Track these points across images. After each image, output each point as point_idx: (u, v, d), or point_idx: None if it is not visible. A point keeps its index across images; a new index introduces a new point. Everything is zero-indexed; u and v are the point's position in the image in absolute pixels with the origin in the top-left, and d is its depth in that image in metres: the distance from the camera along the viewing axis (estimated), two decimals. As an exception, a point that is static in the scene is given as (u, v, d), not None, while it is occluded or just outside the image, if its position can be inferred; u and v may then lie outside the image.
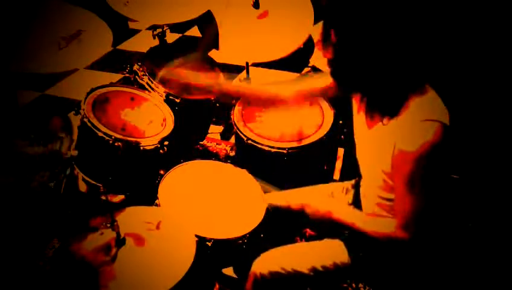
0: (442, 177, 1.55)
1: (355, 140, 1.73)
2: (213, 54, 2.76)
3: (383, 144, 1.52)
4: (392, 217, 1.56)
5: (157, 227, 1.67)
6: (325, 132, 2.29)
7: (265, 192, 2.02)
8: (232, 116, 2.38)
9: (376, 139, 1.57)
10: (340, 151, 2.71)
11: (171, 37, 4.70)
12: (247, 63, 2.88)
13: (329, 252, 1.72)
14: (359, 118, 1.68)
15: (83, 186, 2.48)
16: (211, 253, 1.80)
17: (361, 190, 1.79)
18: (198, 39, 2.77)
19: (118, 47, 4.68)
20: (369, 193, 1.69)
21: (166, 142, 2.21)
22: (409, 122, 1.45)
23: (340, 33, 1.45)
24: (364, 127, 1.64)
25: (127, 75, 2.59)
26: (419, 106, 1.46)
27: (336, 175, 2.68)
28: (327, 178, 2.49)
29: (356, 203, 1.84)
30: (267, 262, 1.74)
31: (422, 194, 1.47)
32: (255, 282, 1.72)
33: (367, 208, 1.73)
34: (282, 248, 1.77)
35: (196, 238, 1.67)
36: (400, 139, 1.46)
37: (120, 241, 1.57)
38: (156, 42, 2.75)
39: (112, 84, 2.45)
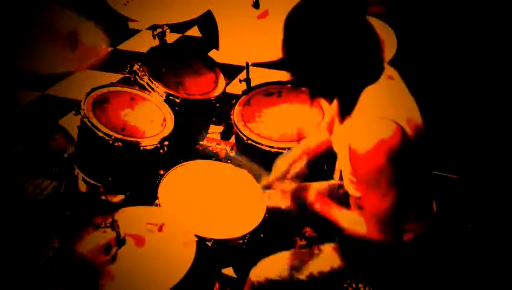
0: (415, 174, 1.51)
1: (332, 139, 1.72)
2: (213, 54, 2.76)
3: (344, 144, 1.50)
4: (361, 217, 1.53)
5: (160, 229, 1.66)
6: (325, 132, 2.28)
7: (255, 174, 1.99)
8: (232, 116, 2.38)
9: (340, 139, 1.56)
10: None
11: (171, 37, 4.72)
12: (247, 63, 2.88)
13: (326, 257, 1.71)
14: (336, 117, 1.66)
15: (83, 187, 2.49)
16: (211, 253, 1.80)
17: None
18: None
19: (118, 47, 4.68)
20: (350, 192, 1.67)
21: (166, 142, 2.21)
22: (363, 120, 1.42)
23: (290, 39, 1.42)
24: (338, 126, 1.62)
25: (127, 75, 2.59)
26: (376, 103, 1.42)
27: (336, 175, 2.68)
28: (327, 178, 2.49)
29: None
30: (264, 269, 1.73)
31: (386, 194, 1.41)
32: (253, 288, 1.72)
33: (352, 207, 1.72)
34: (278, 255, 1.76)
35: (196, 238, 1.67)
36: (353, 139, 1.43)
37: (120, 241, 1.57)
38: (156, 42, 2.76)
39: (112, 84, 2.45)
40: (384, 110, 1.40)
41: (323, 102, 2.45)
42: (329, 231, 1.74)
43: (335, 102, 1.63)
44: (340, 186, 1.94)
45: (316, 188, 1.77)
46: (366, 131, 1.39)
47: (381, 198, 1.42)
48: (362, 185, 1.48)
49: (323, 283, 1.70)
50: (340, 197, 1.91)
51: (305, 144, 1.97)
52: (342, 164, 1.59)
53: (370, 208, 1.47)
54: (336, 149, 1.67)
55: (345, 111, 1.51)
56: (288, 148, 2.19)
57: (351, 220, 1.57)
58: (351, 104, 1.46)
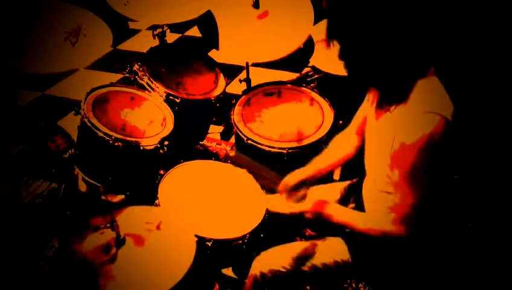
0: (443, 173, 1.53)
1: (365, 135, 1.72)
2: (213, 54, 2.76)
3: (386, 136, 1.51)
4: (391, 213, 1.55)
5: (158, 227, 1.67)
6: (325, 132, 2.28)
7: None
8: (232, 116, 2.38)
9: (380, 131, 1.57)
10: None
11: (171, 37, 4.72)
12: (247, 63, 2.88)
13: (330, 250, 1.71)
14: (371, 111, 1.67)
15: (83, 186, 2.49)
16: (211, 253, 1.80)
17: (364, 187, 1.78)
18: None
19: (118, 47, 4.68)
20: (372, 189, 1.68)
21: (166, 142, 2.21)
22: (411, 113, 1.44)
23: (344, 26, 1.44)
24: (373, 119, 1.63)
25: (127, 75, 2.60)
26: (423, 97, 1.45)
27: (336, 175, 2.68)
28: (327, 178, 2.49)
29: (357, 202, 1.83)
30: (268, 260, 1.73)
31: (420, 189, 1.45)
32: (255, 281, 1.72)
33: (369, 206, 1.72)
34: (282, 247, 1.77)
35: (196, 238, 1.67)
36: (399, 131, 1.45)
37: (120, 241, 1.57)
38: (156, 42, 2.76)
39: (112, 84, 2.45)
40: (432, 104, 1.42)
41: (323, 102, 2.45)
42: (329, 230, 1.75)
43: (376, 96, 1.64)
44: (351, 185, 1.95)
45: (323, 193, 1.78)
46: (414, 123, 1.41)
47: (416, 192, 1.45)
48: (399, 179, 1.48)
49: (326, 276, 1.70)
50: (350, 198, 1.91)
51: (334, 157, 1.96)
52: (376, 158, 1.60)
53: (403, 203, 1.48)
54: (368, 144, 1.68)
55: (392, 101, 1.51)
56: (288, 148, 2.19)
57: (368, 221, 1.59)
58: (402, 94, 1.48)
